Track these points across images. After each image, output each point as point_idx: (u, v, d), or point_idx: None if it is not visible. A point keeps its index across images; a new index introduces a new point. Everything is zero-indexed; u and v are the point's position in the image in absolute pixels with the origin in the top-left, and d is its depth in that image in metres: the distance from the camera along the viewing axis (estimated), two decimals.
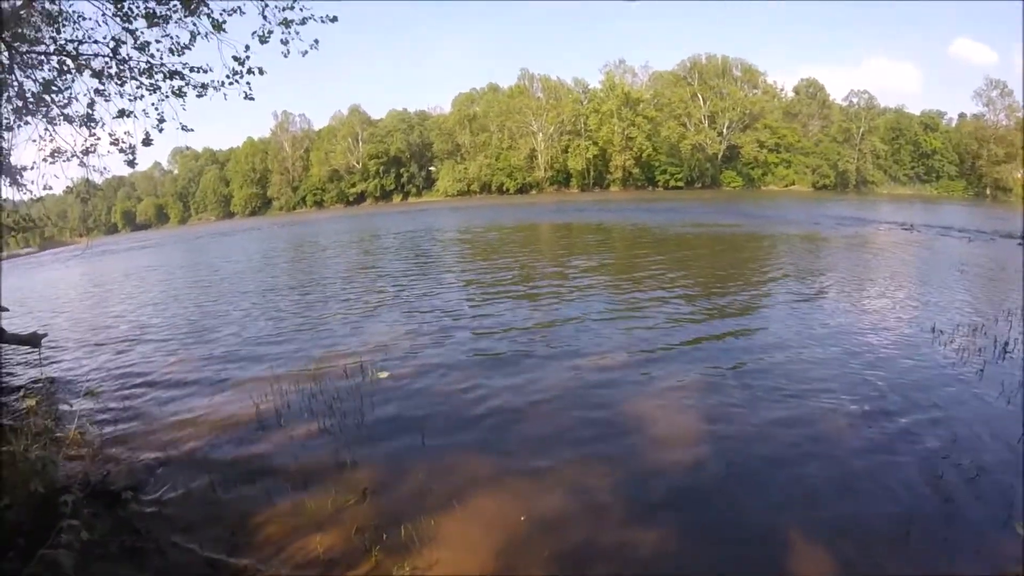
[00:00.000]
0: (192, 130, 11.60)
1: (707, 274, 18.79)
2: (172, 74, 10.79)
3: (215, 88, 11.00)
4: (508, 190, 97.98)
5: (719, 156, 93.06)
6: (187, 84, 10.94)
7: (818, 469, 6.51)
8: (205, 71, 10.97)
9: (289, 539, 5.67)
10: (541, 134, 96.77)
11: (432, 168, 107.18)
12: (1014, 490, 5.90)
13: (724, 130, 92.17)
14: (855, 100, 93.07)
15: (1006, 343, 10.50)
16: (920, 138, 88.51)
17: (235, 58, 10.65)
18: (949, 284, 16.56)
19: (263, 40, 10.65)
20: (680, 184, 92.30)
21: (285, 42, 10.80)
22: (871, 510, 5.72)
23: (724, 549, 5.30)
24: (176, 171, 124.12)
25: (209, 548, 5.62)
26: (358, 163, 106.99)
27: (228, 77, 10.85)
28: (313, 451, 7.59)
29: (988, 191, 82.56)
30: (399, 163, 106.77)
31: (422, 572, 5.07)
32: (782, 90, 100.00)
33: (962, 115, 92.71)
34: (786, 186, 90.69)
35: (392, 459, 7.24)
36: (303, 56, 11.30)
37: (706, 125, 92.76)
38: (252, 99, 11.32)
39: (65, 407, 9.97)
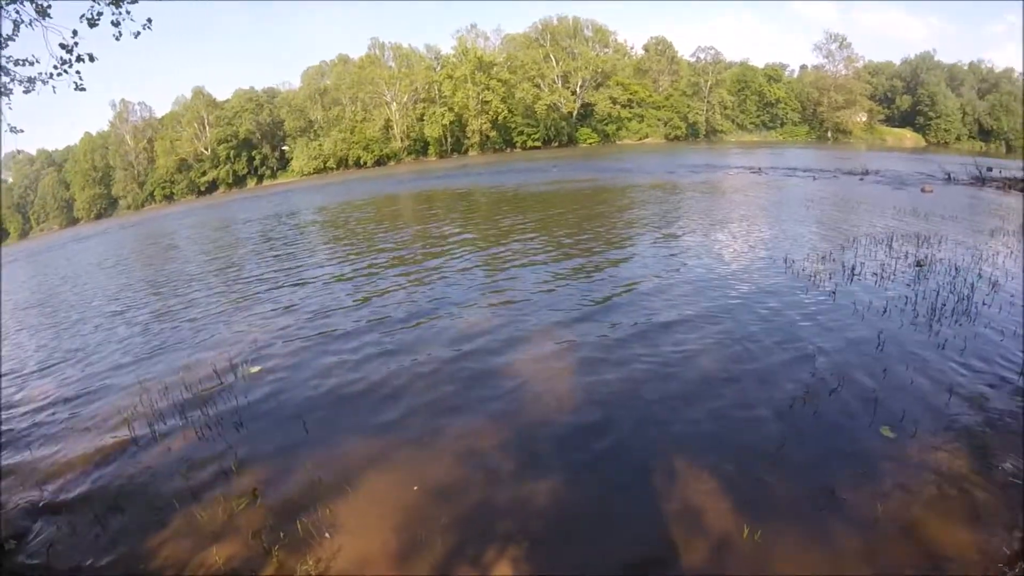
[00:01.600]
0: (22, 131, 10.87)
1: (569, 230, 18.95)
2: None
3: (43, 81, 10.05)
4: (366, 163, 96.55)
5: (574, 115, 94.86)
6: (12, 80, 10.01)
7: (690, 401, 6.84)
8: (31, 63, 10.05)
9: (187, 557, 5.46)
10: (395, 104, 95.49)
11: (285, 148, 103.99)
12: (876, 397, 6.53)
13: (578, 89, 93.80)
14: (702, 56, 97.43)
15: (853, 267, 11.40)
16: (764, 89, 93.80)
17: (62, 46, 9.68)
18: (798, 219, 17.74)
19: (92, 23, 9.76)
20: (538, 144, 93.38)
21: (116, 23, 9.95)
22: (745, 429, 6.17)
23: (613, 487, 5.53)
24: (10, 180, 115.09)
25: None
26: (206, 149, 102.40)
27: (56, 68, 9.90)
28: (195, 461, 7.28)
29: (829, 134, 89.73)
30: (250, 145, 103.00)
31: (327, 563, 5.06)
32: (632, 48, 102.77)
33: (803, 67, 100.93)
34: (640, 139, 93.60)
35: (277, 454, 7.07)
36: (136, 38, 10.58)
37: (560, 85, 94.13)
38: (84, 90, 10.46)
39: None
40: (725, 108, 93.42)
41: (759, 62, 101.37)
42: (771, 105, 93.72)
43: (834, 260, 12.08)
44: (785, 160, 43.58)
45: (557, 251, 15.64)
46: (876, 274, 10.99)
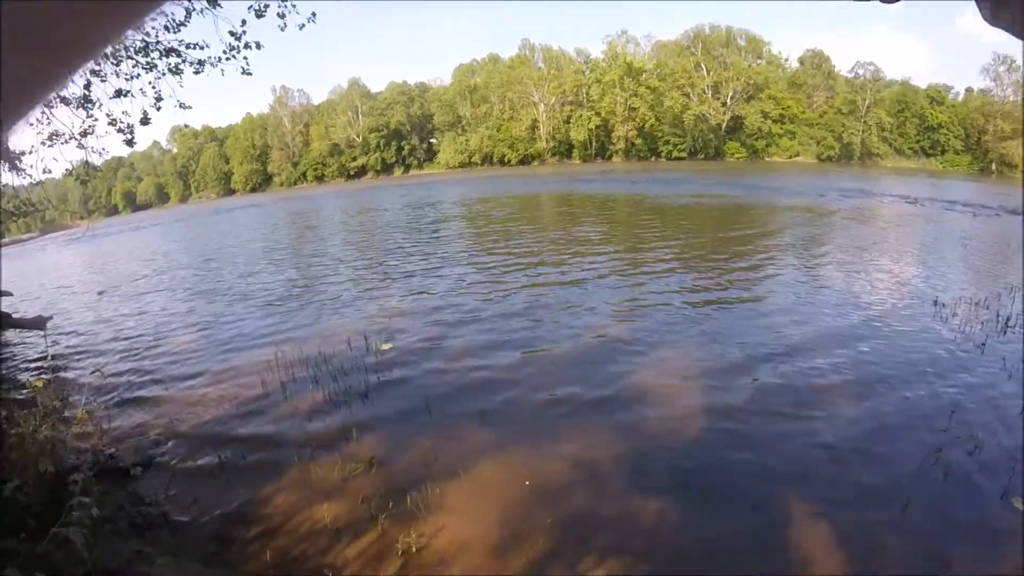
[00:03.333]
0: (190, 107, 11.60)
1: (710, 245, 18.76)
2: (168, 51, 10.65)
3: (212, 64, 10.93)
4: (510, 161, 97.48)
5: (723, 127, 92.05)
6: (184, 61, 10.82)
7: (818, 441, 6.58)
8: (202, 47, 10.87)
9: (296, 509, 5.77)
10: (543, 104, 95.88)
11: (433, 140, 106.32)
12: (1013, 465, 5.93)
13: (728, 100, 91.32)
14: (861, 72, 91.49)
15: (1008, 318, 10.58)
16: (926, 111, 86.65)
17: (231, 33, 10.52)
18: (952, 258, 16.65)
19: (259, 14, 10.48)
20: (683, 155, 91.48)
21: (282, 16, 10.65)
22: (869, 482, 5.75)
23: (722, 519, 5.35)
24: (175, 150, 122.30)
25: (217, 521, 5.74)
26: (358, 137, 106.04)
27: (225, 53, 10.75)
28: (318, 423, 7.72)
29: (994, 166, 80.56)
30: (400, 136, 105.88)
31: (427, 539, 5.15)
32: (787, 60, 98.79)
33: (969, 90, 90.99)
34: (790, 157, 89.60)
35: (397, 429, 7.36)
36: (300, 30, 11.18)
37: (709, 95, 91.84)
38: (250, 74, 11.25)
39: (72, 387, 10.09)
40: (883, 130, 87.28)
41: (921, 82, 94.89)
42: (932, 130, 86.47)
43: (988, 308, 11.27)
44: (944, 192, 41.14)
45: (693, 267, 15.49)
46: None
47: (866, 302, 12.08)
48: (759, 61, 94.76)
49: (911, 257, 17.01)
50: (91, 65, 10.36)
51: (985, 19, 0.52)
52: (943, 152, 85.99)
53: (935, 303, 11.70)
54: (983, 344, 9.45)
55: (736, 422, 7.12)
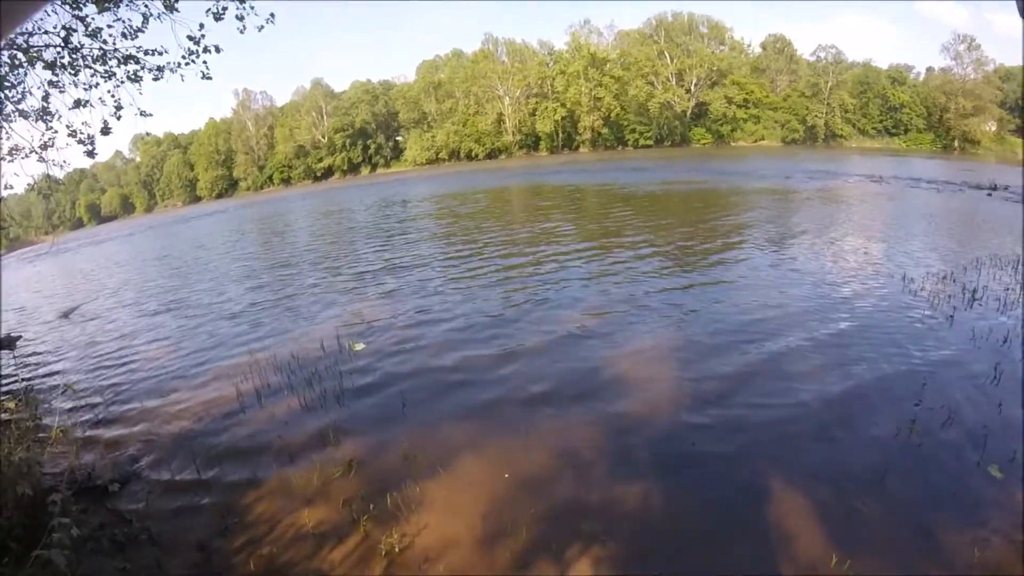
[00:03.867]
0: (151, 115, 11.45)
1: (679, 231, 18.92)
2: (127, 59, 10.47)
3: (171, 70, 10.76)
4: (477, 156, 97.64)
5: (688, 113, 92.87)
6: (142, 68, 10.64)
7: (793, 418, 6.65)
8: (160, 53, 10.67)
9: (278, 516, 5.74)
10: (508, 98, 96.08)
11: (399, 138, 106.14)
12: (986, 434, 6.04)
13: (692, 87, 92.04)
14: (823, 55, 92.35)
15: (974, 291, 10.81)
16: (888, 92, 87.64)
17: (190, 38, 10.40)
18: (918, 234, 16.93)
19: (218, 17, 10.41)
20: (650, 143, 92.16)
21: (240, 18, 10.55)
22: (846, 456, 5.88)
23: (703, 501, 5.42)
24: (138, 158, 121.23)
25: (200, 532, 5.67)
26: (324, 137, 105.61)
27: (184, 58, 10.64)
28: (296, 428, 7.68)
29: (956, 144, 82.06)
30: (365, 135, 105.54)
31: (411, 538, 5.15)
32: (749, 46, 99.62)
33: (930, 69, 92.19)
34: (755, 141, 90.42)
35: (375, 430, 7.35)
36: (259, 31, 11.15)
37: (674, 83, 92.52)
38: (210, 79, 11.16)
39: (45, 406, 10.01)
40: (846, 111, 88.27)
41: (883, 63, 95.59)
42: (895, 110, 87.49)
43: (954, 281, 11.48)
44: (908, 169, 41.64)
45: (665, 253, 15.57)
46: (999, 299, 10.33)
47: (836, 280, 12.17)
48: (722, 48, 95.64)
49: (878, 234, 17.20)
50: (48, 76, 10.16)
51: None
52: (906, 131, 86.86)
53: (903, 278, 11.82)
54: (951, 316, 9.60)
55: (713, 404, 7.15)
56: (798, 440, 6.19)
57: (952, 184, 30.50)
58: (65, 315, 17.58)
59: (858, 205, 24.07)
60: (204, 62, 10.72)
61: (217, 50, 10.80)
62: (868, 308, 10.33)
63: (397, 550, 5.00)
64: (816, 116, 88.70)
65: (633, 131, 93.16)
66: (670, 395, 7.47)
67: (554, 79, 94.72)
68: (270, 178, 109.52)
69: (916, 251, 14.58)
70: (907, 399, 6.89)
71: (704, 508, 5.29)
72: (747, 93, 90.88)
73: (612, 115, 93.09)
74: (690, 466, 5.92)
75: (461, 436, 6.93)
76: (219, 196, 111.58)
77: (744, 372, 7.94)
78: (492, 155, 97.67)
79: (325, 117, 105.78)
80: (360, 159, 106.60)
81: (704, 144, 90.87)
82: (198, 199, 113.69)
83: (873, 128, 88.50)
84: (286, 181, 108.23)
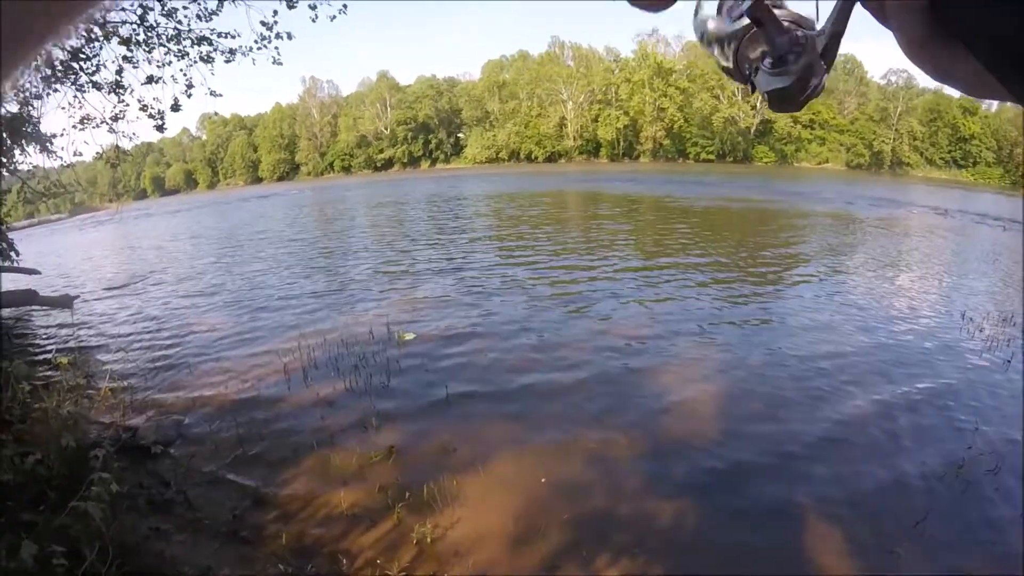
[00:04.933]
0: (220, 95, 11.96)
1: (736, 250, 18.68)
2: (200, 40, 10.83)
3: (243, 53, 11.18)
4: (536, 158, 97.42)
5: (752, 130, 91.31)
6: (215, 50, 10.98)
7: (836, 450, 6.56)
8: (233, 36, 11.03)
9: (314, 494, 5.84)
10: (571, 103, 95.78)
11: (460, 135, 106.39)
12: None
13: (758, 104, 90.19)
14: (893, 79, 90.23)
15: None
16: (959, 122, 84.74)
17: (263, 23, 10.77)
18: (981, 272, 16.46)
19: (291, 5, 10.67)
20: (711, 157, 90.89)
21: (313, 7, 10.78)
22: (888, 494, 5.73)
23: (740, 524, 5.35)
24: (204, 137, 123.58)
25: (235, 502, 5.81)
26: (386, 129, 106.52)
27: (256, 42, 10.96)
28: (339, 409, 7.83)
29: None
30: (427, 129, 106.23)
31: (443, 530, 5.20)
32: None
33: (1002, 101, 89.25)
34: (819, 164, 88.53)
35: (417, 419, 7.43)
36: (331, 21, 11.47)
37: (739, 98, 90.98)
38: (280, 64, 11.50)
39: (97, 365, 10.30)
40: (914, 139, 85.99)
41: (955, 91, 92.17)
42: (964, 141, 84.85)
43: (1015, 324, 11.13)
44: (975, 204, 40.59)
45: (720, 273, 15.42)
46: None
47: (892, 314, 11.94)
48: None
49: (939, 270, 16.77)
50: (123, 51, 10.52)
51: None
52: (975, 164, 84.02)
53: (962, 317, 11.55)
54: (1008, 361, 9.32)
55: (756, 430, 7.09)
56: (840, 473, 6.11)
57: (1019, 223, 29.30)
58: (124, 284, 18.05)
59: (920, 238, 23.53)
60: (276, 48, 11.12)
61: (289, 37, 11.16)
62: (923, 345, 10.11)
63: (428, 540, 5.06)
64: (883, 142, 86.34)
65: (695, 144, 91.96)
66: (713, 417, 7.43)
67: (618, 86, 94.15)
68: (331, 165, 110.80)
69: (978, 290, 14.22)
70: (956, 441, 6.75)
71: (737, 531, 5.27)
72: (814, 113, 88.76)
73: (675, 127, 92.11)
74: (727, 488, 5.90)
75: (502, 435, 6.98)
76: (280, 179, 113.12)
77: (789, 400, 7.85)
78: (551, 159, 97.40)
79: (389, 109, 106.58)
80: (420, 153, 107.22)
81: (766, 163, 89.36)
82: (259, 180, 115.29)
83: (941, 158, 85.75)
84: (346, 169, 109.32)
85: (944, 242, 22.57)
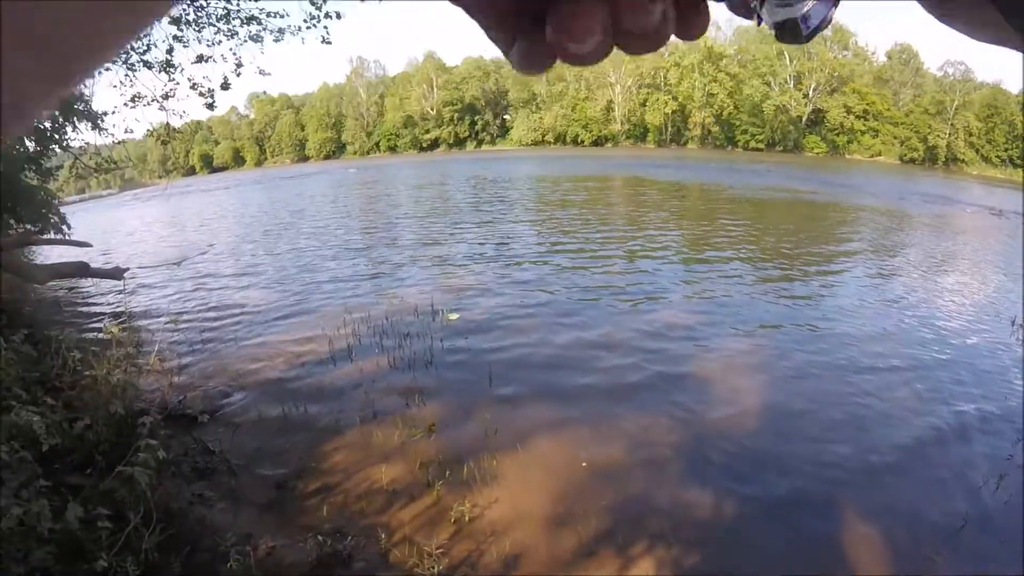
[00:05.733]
0: (269, 74, 12.05)
1: (783, 242, 18.75)
2: (249, 19, 10.90)
3: (292, 33, 11.27)
4: (583, 142, 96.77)
5: (803, 119, 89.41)
6: (264, 29, 11.07)
7: (880, 451, 6.55)
8: (282, 16, 11.12)
9: (355, 468, 6.02)
10: (619, 86, 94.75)
11: (507, 116, 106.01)
12: None
13: (810, 92, 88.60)
14: (950, 71, 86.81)
15: None
16: (1016, 118, 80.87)
17: (312, 2, 10.75)
18: None
19: None
20: (760, 146, 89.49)
21: None
22: (929, 500, 5.71)
23: (776, 520, 5.38)
24: (252, 115, 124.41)
25: (278, 472, 6.02)
26: (432, 110, 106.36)
27: (305, 22, 10.99)
28: (382, 385, 8.05)
29: None
30: (473, 111, 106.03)
31: (482, 509, 5.31)
32: (874, 53, 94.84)
33: None
34: (871, 156, 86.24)
35: (459, 398, 7.61)
36: (379, 1, 11.71)
37: (791, 86, 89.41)
38: (329, 43, 11.51)
39: (146, 335, 10.72)
40: (970, 135, 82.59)
41: (1013, 87, 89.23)
42: (1022, 139, 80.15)
43: None
44: None
45: (764, 261, 15.56)
46: None
47: (940, 316, 11.85)
48: (845, 53, 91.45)
49: (990, 272, 16.57)
50: (174, 31, 10.60)
51: None
52: None
53: (1012, 323, 11.33)
54: None
55: (797, 426, 7.12)
56: (881, 474, 6.10)
57: None
58: (177, 263, 18.28)
59: (973, 238, 23.17)
60: (325, 27, 11.14)
61: (338, 16, 11.22)
62: (970, 350, 10.01)
63: (467, 519, 5.16)
64: (938, 136, 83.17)
65: (744, 132, 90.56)
66: (754, 411, 7.45)
67: (668, 71, 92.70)
68: (377, 144, 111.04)
69: None
70: (999, 451, 6.69)
71: (774, 526, 5.29)
72: (867, 104, 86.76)
73: (724, 113, 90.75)
74: (765, 483, 5.90)
75: (543, 418, 7.05)
76: (327, 157, 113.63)
77: (834, 400, 7.82)
78: (598, 142, 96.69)
79: (435, 90, 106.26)
80: (467, 134, 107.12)
81: (817, 153, 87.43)
82: (306, 158, 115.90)
83: (997, 156, 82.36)
84: (392, 149, 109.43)
85: (996, 244, 22.16)
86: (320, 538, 4.89)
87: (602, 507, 5.34)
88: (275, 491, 5.70)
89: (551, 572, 4.74)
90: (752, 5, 0.59)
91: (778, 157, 79.41)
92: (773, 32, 0.58)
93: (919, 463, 6.36)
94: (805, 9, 0.55)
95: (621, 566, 4.73)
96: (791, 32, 0.56)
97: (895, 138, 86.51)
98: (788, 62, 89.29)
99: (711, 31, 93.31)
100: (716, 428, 6.94)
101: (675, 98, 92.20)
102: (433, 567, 4.66)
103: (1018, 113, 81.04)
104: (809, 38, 0.57)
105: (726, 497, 5.62)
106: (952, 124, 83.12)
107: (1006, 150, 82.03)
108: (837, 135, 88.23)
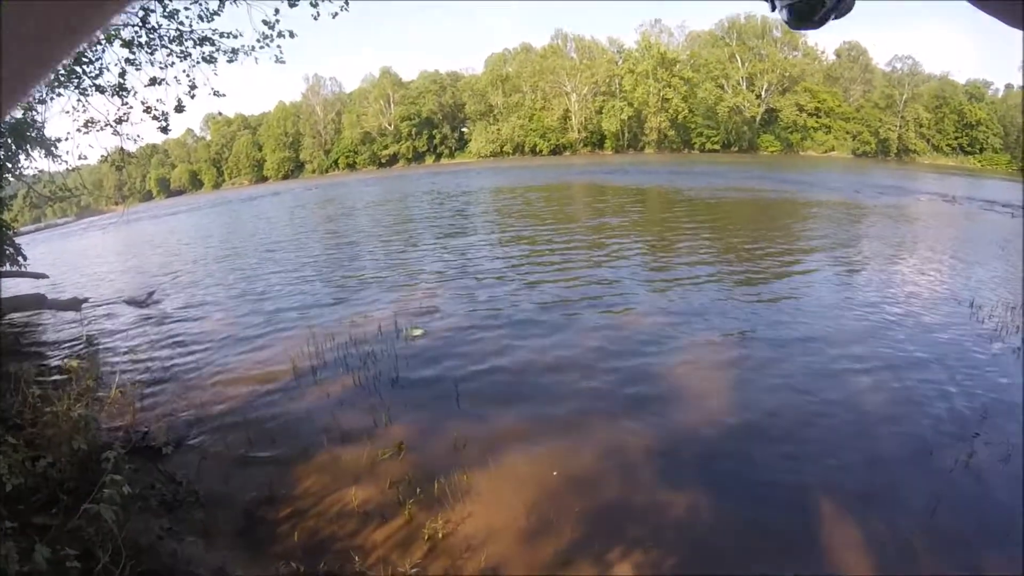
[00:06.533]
0: (224, 95, 11.84)
1: (743, 240, 18.78)
2: (202, 40, 10.82)
3: (245, 53, 11.11)
4: (541, 151, 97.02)
5: (757, 119, 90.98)
6: (217, 50, 10.99)
7: (849, 439, 6.61)
8: (235, 36, 11.05)
9: (325, 491, 5.90)
10: (575, 95, 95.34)
11: (464, 129, 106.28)
12: None
13: (763, 93, 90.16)
14: (898, 66, 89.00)
15: None
16: (965, 108, 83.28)
17: (265, 22, 10.69)
18: (990, 260, 16.42)
19: (292, 3, 10.60)
20: (716, 147, 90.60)
21: (315, 4, 10.76)
22: (900, 485, 5.74)
23: (754, 515, 5.37)
24: (209, 137, 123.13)
25: (247, 501, 5.87)
26: (390, 125, 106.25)
27: (258, 42, 10.93)
28: (348, 406, 7.90)
29: None
30: (431, 124, 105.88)
31: (455, 525, 5.24)
32: (823, 53, 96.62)
33: (1009, 87, 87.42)
34: (825, 152, 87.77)
35: (427, 415, 7.51)
36: (333, 18, 11.31)
37: (744, 87, 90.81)
38: (283, 63, 11.50)
39: (106, 368, 10.39)
40: (920, 126, 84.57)
41: (960, 77, 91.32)
42: (971, 127, 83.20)
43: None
44: (982, 191, 40.35)
45: (726, 261, 15.56)
46: None
47: (901, 302, 11.97)
48: (795, 53, 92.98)
49: (947, 257, 16.82)
50: (126, 54, 10.47)
51: None
52: (981, 150, 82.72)
53: (971, 305, 11.55)
54: (1019, 349, 9.30)
55: (767, 422, 7.10)
56: (852, 464, 6.12)
57: None
58: (131, 287, 17.96)
59: (928, 225, 23.64)
60: (278, 46, 11.08)
61: (291, 35, 11.08)
62: (932, 334, 10.13)
63: (440, 536, 5.10)
64: (889, 129, 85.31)
65: (700, 134, 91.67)
66: (722, 409, 7.45)
67: (622, 78, 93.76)
68: (335, 162, 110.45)
69: (987, 278, 14.16)
70: (966, 431, 6.75)
71: (749, 524, 5.27)
72: (819, 101, 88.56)
73: (679, 117, 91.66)
74: (739, 481, 5.91)
75: (512, 430, 7.00)
76: (285, 177, 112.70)
77: (800, 393, 7.86)
78: (556, 151, 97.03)
79: (392, 105, 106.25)
80: (425, 148, 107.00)
81: (772, 152, 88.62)
82: (264, 179, 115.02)
83: (947, 145, 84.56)
84: (351, 166, 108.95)
85: (952, 230, 22.66)
86: (293, 564, 4.83)
87: (576, 515, 5.34)
88: (245, 520, 5.63)
89: None
90: None
91: (734, 157, 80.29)
92: (787, 18, 0.58)
93: (889, 449, 6.39)
94: None
95: (599, 573, 4.72)
96: (811, 15, 0.57)
97: (847, 133, 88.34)
98: (740, 64, 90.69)
99: (663, 37, 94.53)
100: (686, 429, 6.94)
101: (631, 104, 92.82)
102: None
103: (966, 103, 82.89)
104: (822, 22, 0.59)
105: (699, 497, 5.63)
106: (902, 117, 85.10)
107: (956, 138, 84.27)
108: (791, 133, 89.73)
